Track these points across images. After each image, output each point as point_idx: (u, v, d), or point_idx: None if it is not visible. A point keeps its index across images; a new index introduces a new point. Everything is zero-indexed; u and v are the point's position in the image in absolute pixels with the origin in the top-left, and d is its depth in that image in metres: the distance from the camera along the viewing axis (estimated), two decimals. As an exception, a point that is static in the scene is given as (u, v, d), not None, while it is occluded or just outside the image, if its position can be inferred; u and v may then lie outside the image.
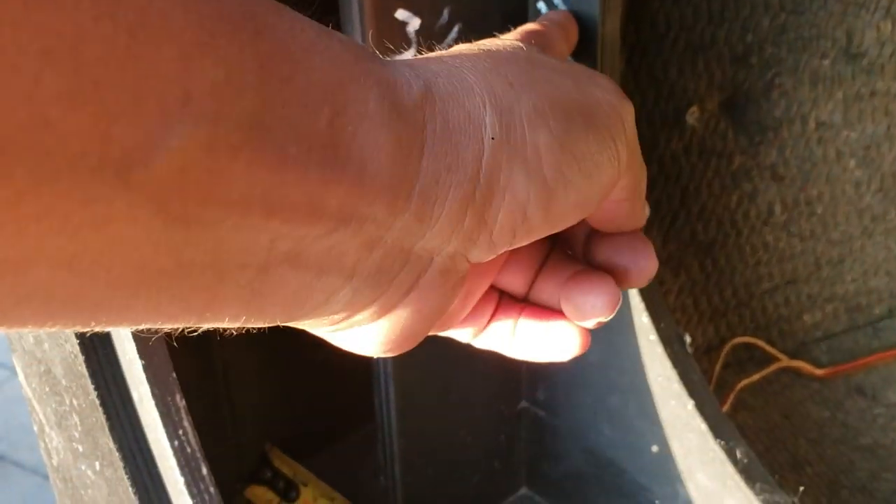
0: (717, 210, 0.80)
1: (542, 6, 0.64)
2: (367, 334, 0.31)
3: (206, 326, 0.25)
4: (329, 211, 0.25)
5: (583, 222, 0.41)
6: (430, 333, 0.39)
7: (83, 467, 0.63)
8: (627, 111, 0.36)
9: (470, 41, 0.63)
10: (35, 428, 0.73)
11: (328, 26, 0.28)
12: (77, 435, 0.61)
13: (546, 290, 0.40)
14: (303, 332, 0.36)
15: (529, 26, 0.49)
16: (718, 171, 0.78)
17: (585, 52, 0.62)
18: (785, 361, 0.90)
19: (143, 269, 0.21)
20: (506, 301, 0.40)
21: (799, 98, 0.78)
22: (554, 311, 0.39)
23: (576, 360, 0.75)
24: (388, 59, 0.29)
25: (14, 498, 1.71)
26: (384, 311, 0.30)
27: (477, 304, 0.39)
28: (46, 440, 0.70)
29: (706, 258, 0.82)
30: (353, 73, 0.25)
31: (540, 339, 0.39)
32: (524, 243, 0.32)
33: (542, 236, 0.33)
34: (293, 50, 0.24)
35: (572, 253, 0.42)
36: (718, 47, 0.72)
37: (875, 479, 0.83)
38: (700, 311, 0.86)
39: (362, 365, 0.73)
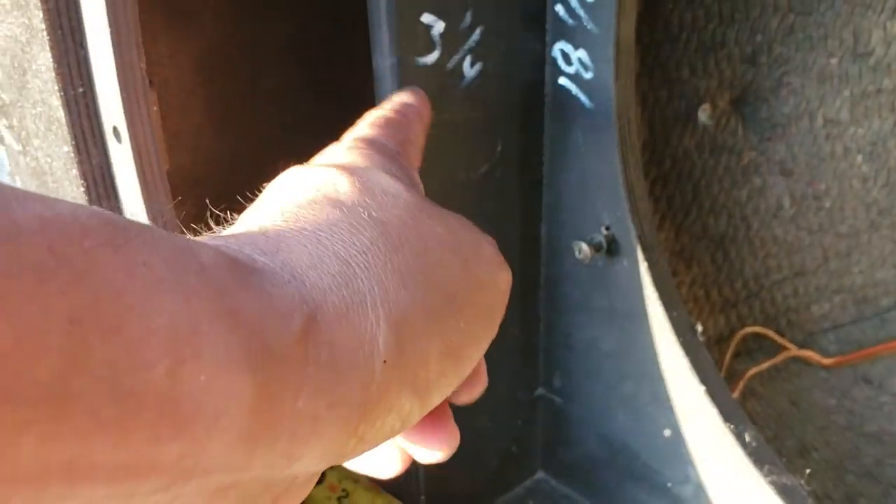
0: (727, 204, 0.82)
1: (559, 8, 0.67)
2: None
3: None
4: (163, 467, 0.21)
5: None
6: None
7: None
8: (506, 281, 0.35)
9: (492, 43, 0.66)
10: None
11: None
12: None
13: None
14: None
15: (386, 117, 0.44)
16: (729, 167, 0.80)
17: (603, 55, 0.65)
18: (793, 351, 0.92)
19: None
20: None
21: (807, 96, 0.80)
22: None
23: (591, 349, 0.78)
24: (274, 278, 0.25)
25: None
26: None
27: None
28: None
29: (717, 251, 0.85)
30: (211, 314, 0.22)
31: (365, 458, 0.38)
32: None
33: None
34: (127, 293, 0.20)
35: None
36: (729, 47, 0.74)
37: (880, 465, 0.85)
38: (711, 302, 0.88)
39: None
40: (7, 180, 0.65)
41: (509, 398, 0.82)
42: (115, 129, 0.51)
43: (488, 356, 0.84)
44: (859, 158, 0.86)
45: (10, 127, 0.60)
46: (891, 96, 0.84)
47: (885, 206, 0.90)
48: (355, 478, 0.84)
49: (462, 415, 0.82)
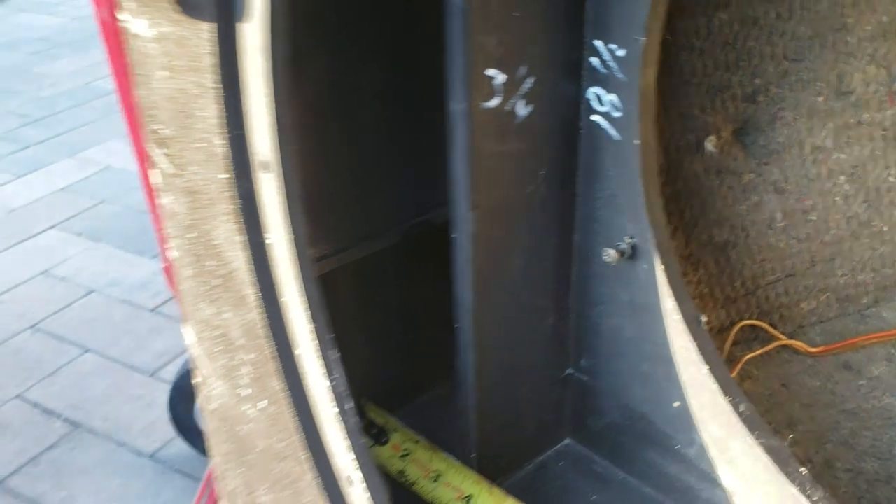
0: (729, 217, 0.97)
1: (595, 61, 0.82)
2: None
3: None
4: None
5: None
6: None
7: (245, 408, 0.83)
8: None
9: (540, 89, 0.81)
10: (198, 380, 0.93)
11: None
12: (243, 382, 0.81)
13: None
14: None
15: None
16: (731, 187, 0.95)
17: (630, 98, 0.80)
18: (784, 340, 1.07)
19: None
20: None
21: (798, 127, 0.95)
22: None
23: (614, 336, 0.93)
24: None
25: (90, 461, 1.87)
26: None
27: None
28: (208, 389, 0.90)
29: (720, 256, 1.00)
30: None
31: None
32: None
33: None
34: None
35: None
36: (733, 89, 0.89)
37: (855, 436, 1.00)
38: (715, 298, 1.03)
39: (442, 336, 0.91)
40: (159, 195, 0.81)
41: (544, 376, 0.97)
42: (264, 162, 0.67)
43: (529, 342, 1.00)
44: (842, 179, 1.01)
45: (168, 155, 0.76)
46: (869, 128, 0.99)
47: (865, 219, 1.05)
48: (415, 440, 1.00)
49: (507, 388, 0.99)
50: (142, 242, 2.64)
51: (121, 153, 3.28)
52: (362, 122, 0.87)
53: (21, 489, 1.77)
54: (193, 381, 0.92)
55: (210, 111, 0.67)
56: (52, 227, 2.76)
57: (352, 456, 0.73)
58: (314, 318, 0.70)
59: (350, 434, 0.72)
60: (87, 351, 2.16)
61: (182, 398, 1.74)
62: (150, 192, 0.93)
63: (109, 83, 4.01)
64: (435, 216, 0.94)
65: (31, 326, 2.28)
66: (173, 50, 0.67)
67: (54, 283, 2.46)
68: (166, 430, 1.86)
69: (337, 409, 0.71)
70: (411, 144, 0.92)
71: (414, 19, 0.87)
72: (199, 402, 0.93)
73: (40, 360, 2.15)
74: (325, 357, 0.71)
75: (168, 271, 1.07)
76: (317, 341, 0.70)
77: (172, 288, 1.03)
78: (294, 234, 0.68)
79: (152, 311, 2.35)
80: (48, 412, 1.95)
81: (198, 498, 1.40)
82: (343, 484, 0.75)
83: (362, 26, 0.84)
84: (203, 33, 0.63)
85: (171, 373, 2.07)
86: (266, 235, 0.70)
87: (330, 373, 0.71)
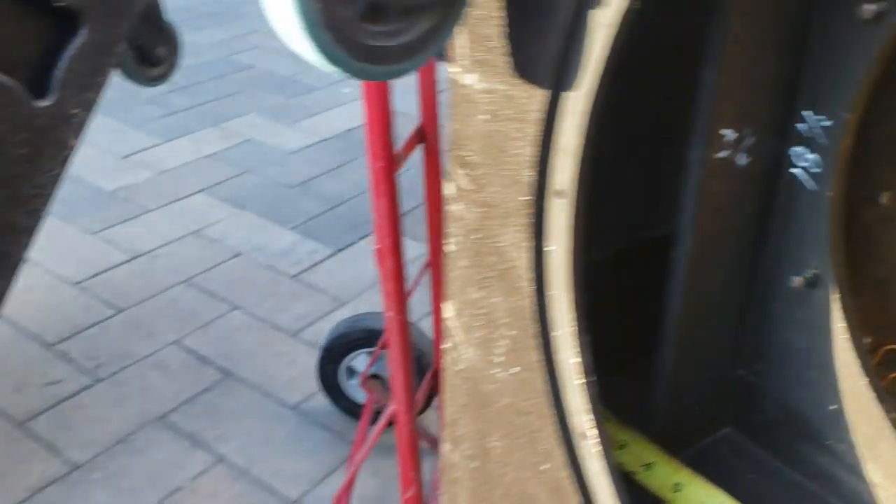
0: (889, 258, 1.17)
1: (803, 127, 1.04)
2: None
3: None
4: None
5: None
6: None
7: (494, 371, 1.08)
8: None
9: (757, 145, 1.03)
10: (448, 345, 1.18)
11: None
12: (498, 352, 1.05)
13: None
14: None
15: None
16: (894, 234, 1.16)
17: (829, 159, 1.02)
18: (922, 366, 1.27)
19: None
20: None
21: (959, 189, 1.15)
22: None
23: (786, 347, 1.15)
24: None
25: (240, 406, 2.13)
26: None
27: None
28: (456, 353, 1.15)
29: (877, 289, 1.20)
30: None
31: None
32: None
33: None
34: None
35: None
36: (908, 155, 1.09)
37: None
38: (867, 324, 1.24)
39: (625, 333, 1.15)
40: (449, 202, 1.06)
41: (721, 374, 1.20)
42: (559, 191, 0.91)
43: (716, 345, 1.24)
44: None
45: (469, 175, 1.01)
46: None
47: None
48: (606, 416, 1.23)
49: (693, 380, 1.22)
50: (283, 213, 2.93)
51: (261, 127, 3.57)
52: (605, 156, 1.11)
53: (180, 425, 2.03)
54: (444, 346, 1.16)
55: (525, 151, 0.91)
56: (200, 192, 3.03)
57: (589, 417, 0.97)
58: (576, 309, 0.94)
59: (591, 400, 0.97)
60: (235, 308, 2.43)
61: (330, 360, 2.01)
62: (378, 187, 1.17)
63: (249, 57, 4.36)
64: (642, 236, 1.18)
65: (185, 281, 2.57)
66: (500, 102, 0.92)
67: (205, 243, 2.74)
68: (308, 385, 2.13)
69: (582, 381, 0.95)
70: (634, 177, 1.16)
71: (656, 78, 1.10)
72: (445, 362, 1.18)
73: (194, 312, 2.43)
74: (579, 340, 0.95)
75: (380, 253, 1.31)
76: (575, 327, 0.94)
77: (380, 267, 1.29)
78: (573, 245, 0.92)
79: (293, 277, 2.63)
80: (202, 359, 2.23)
81: (352, 455, 1.62)
82: (577, 438, 0.99)
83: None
84: (535, 96, 0.87)
85: (311, 335, 2.34)
86: (548, 244, 0.94)
87: (581, 352, 0.95)
